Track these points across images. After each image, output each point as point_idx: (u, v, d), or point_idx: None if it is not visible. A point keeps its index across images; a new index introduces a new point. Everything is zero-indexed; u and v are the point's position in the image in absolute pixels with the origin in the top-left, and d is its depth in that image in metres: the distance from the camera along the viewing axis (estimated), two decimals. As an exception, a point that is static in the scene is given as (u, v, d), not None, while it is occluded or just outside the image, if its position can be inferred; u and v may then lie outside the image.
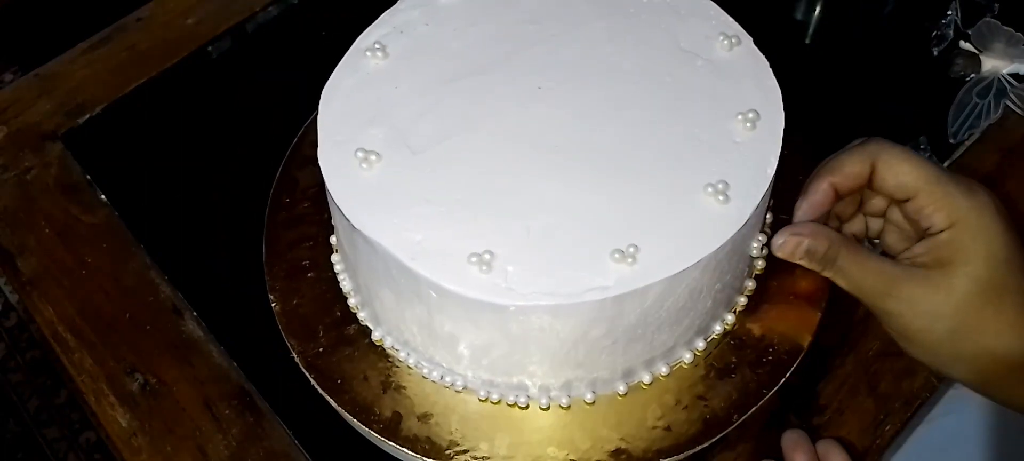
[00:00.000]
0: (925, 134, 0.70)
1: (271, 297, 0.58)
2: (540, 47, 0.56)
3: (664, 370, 0.53)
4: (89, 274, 0.66)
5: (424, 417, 0.53)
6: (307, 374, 0.55)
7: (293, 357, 0.56)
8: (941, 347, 0.49)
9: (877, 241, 0.55)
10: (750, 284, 0.56)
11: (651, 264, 0.46)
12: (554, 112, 0.53)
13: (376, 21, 0.58)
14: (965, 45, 0.76)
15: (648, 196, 0.49)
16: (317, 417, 0.56)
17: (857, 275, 0.50)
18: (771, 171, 0.50)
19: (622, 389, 0.53)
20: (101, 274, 0.66)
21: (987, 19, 0.74)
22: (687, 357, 0.54)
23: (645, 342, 0.50)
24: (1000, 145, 0.72)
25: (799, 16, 0.83)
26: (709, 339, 0.54)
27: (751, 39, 0.56)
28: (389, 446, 0.53)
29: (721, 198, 0.48)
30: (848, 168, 0.51)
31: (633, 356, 0.51)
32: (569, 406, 0.53)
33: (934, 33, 0.77)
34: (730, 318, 0.55)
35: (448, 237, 0.48)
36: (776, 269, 0.55)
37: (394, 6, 0.59)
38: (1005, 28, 0.73)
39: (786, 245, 0.50)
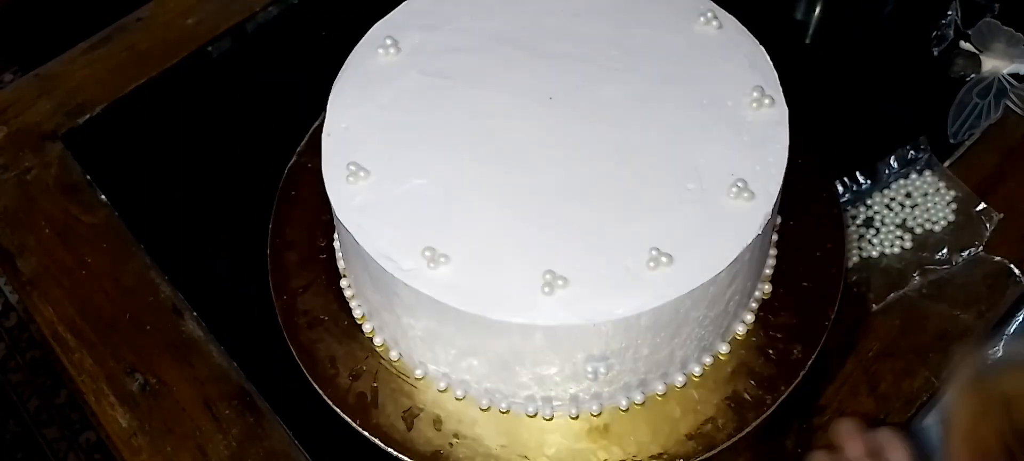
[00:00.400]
0: (925, 134, 0.70)
1: (269, 240, 0.60)
2: (553, 61, 0.55)
3: (595, 408, 0.52)
4: (89, 274, 0.66)
5: (355, 373, 0.55)
6: (278, 315, 0.57)
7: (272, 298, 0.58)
8: None
9: None
10: (707, 359, 0.54)
11: (580, 298, 0.46)
12: (555, 126, 0.53)
13: (398, 8, 0.59)
14: (965, 45, 0.76)
15: (597, 236, 0.48)
16: (317, 417, 0.56)
17: None
18: (730, 251, 0.47)
19: (573, 412, 0.52)
20: (101, 274, 0.66)
21: (987, 19, 0.74)
22: (624, 402, 0.52)
23: (576, 380, 0.50)
24: (1000, 145, 0.72)
25: (799, 16, 0.83)
26: (667, 385, 0.53)
27: (783, 99, 0.53)
28: (321, 393, 0.55)
29: (664, 260, 0.46)
30: None
31: (578, 386, 0.51)
32: (508, 410, 0.53)
33: (934, 33, 0.77)
34: (681, 379, 0.53)
35: (414, 229, 0.49)
36: (760, 335, 0.55)
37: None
38: (1005, 28, 0.73)
39: None
